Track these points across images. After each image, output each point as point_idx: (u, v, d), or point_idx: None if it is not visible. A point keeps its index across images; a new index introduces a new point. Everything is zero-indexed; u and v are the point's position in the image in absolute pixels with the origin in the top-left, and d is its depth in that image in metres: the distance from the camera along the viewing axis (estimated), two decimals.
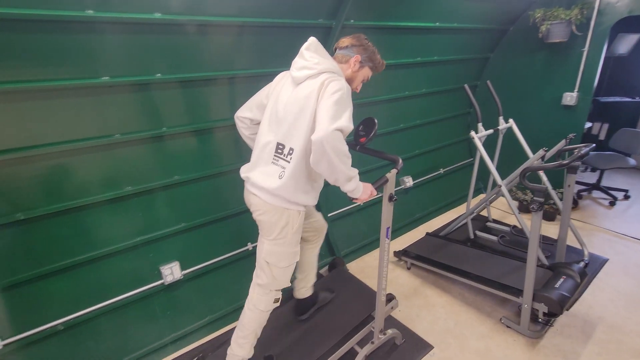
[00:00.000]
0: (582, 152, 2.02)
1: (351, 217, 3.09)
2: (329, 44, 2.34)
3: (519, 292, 2.15)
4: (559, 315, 2.15)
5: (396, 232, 3.32)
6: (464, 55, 3.51)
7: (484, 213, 3.49)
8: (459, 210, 3.77)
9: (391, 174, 1.59)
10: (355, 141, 1.85)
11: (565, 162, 1.95)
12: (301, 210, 1.61)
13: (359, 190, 1.50)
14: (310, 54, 1.52)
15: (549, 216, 3.38)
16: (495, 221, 3.38)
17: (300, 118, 1.48)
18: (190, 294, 2.26)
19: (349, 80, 1.60)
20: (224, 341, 2.00)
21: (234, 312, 2.32)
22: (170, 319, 2.17)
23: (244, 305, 2.37)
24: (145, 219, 2.08)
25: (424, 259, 2.74)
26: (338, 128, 1.33)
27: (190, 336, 2.19)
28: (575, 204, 3.69)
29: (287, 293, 2.22)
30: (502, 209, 3.74)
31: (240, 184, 1.80)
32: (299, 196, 1.55)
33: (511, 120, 2.91)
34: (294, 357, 1.86)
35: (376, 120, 1.79)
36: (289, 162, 1.51)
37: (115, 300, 2.00)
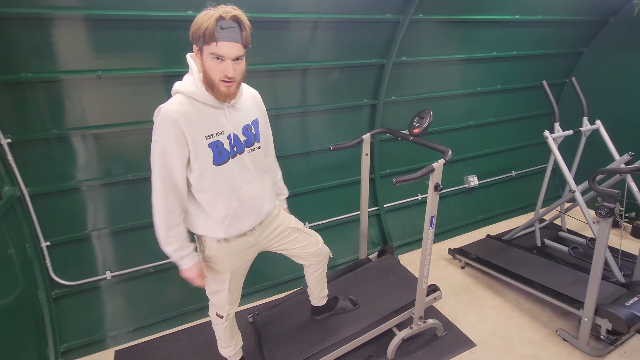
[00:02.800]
0: None
1: (408, 210, 3.13)
2: (395, 39, 2.42)
3: (581, 305, 2.00)
4: (625, 335, 1.95)
5: (454, 230, 3.25)
6: (550, 50, 3.25)
7: (559, 222, 3.21)
8: (530, 216, 3.51)
9: (438, 164, 1.64)
10: (409, 132, 1.93)
11: None
12: (207, 240, 1.46)
13: (181, 266, 1.41)
14: None
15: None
16: (569, 231, 3.09)
17: None
18: None
19: (207, 76, 1.22)
20: (275, 305, 2.26)
21: (284, 284, 2.60)
22: None
23: (291, 279, 2.62)
24: None
25: (480, 259, 2.66)
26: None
27: (245, 298, 2.49)
28: None
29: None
30: (583, 220, 3.38)
31: (293, 170, 1.96)
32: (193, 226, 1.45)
33: (598, 122, 2.63)
34: (332, 326, 2.02)
35: (431, 113, 1.85)
36: None
37: None
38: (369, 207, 2.81)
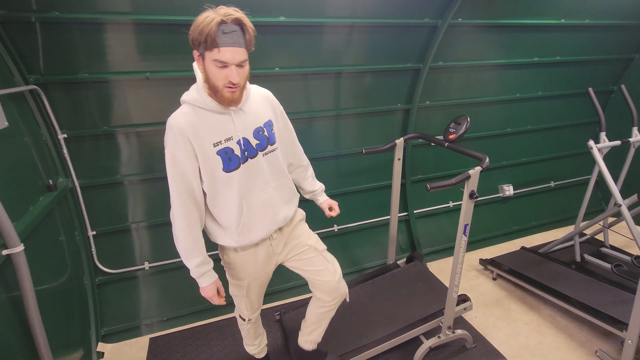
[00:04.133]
0: None
1: (438, 218, 3.07)
2: (432, 44, 2.39)
3: (625, 326, 1.89)
4: None
5: (486, 240, 3.15)
6: (597, 56, 3.09)
7: (601, 237, 3.04)
8: (569, 230, 3.34)
9: (475, 171, 1.60)
10: (444, 137, 1.91)
11: None
12: (225, 247, 1.43)
13: (200, 284, 1.38)
14: None
15: None
16: (613, 248, 2.92)
17: None
18: None
19: (209, 82, 1.19)
20: (302, 304, 2.28)
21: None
22: None
23: None
24: None
25: (514, 272, 2.57)
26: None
27: (273, 295, 2.54)
28: None
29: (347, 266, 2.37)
30: (628, 237, 3.18)
31: (324, 173, 1.97)
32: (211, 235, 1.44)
33: None
34: (359, 330, 2.02)
35: (468, 119, 1.82)
36: None
37: None
38: (399, 213, 2.79)
